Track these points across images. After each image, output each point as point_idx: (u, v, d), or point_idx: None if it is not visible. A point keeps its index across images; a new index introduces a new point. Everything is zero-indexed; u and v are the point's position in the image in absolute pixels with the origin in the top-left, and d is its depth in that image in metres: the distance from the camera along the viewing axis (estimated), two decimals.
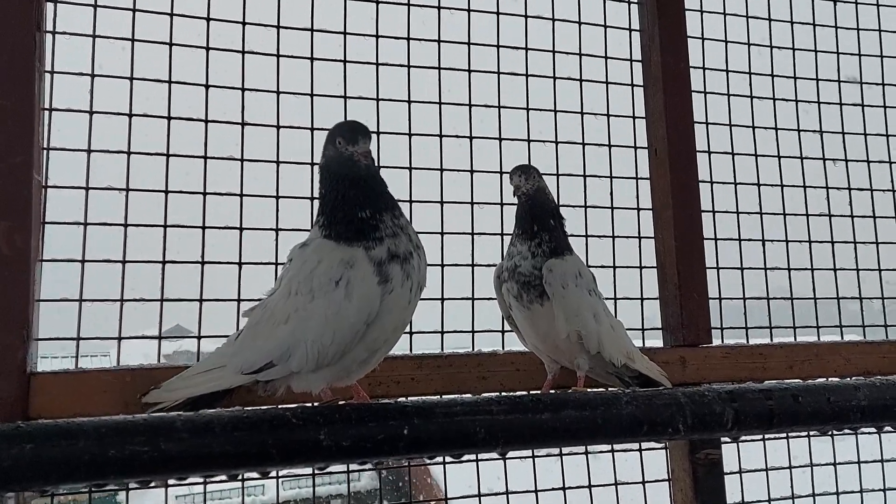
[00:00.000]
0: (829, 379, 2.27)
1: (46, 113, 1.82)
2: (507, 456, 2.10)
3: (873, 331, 2.57)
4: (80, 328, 1.83)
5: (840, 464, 2.45)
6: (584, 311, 1.75)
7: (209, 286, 1.96)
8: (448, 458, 2.00)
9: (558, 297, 1.73)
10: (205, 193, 1.96)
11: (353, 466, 1.66)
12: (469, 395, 1.84)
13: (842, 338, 2.52)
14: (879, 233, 2.64)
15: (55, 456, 1.17)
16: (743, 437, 2.29)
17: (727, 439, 2.20)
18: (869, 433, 2.38)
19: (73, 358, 1.81)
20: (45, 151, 1.81)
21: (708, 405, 1.57)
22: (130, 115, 1.92)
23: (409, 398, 1.86)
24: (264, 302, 1.54)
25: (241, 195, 2.00)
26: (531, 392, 1.96)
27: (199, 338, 1.93)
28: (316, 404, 1.44)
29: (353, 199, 1.46)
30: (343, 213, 1.46)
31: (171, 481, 1.78)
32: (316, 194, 2.03)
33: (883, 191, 2.69)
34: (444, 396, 1.91)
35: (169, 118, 1.96)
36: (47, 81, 1.83)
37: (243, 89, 2.04)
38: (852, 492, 2.44)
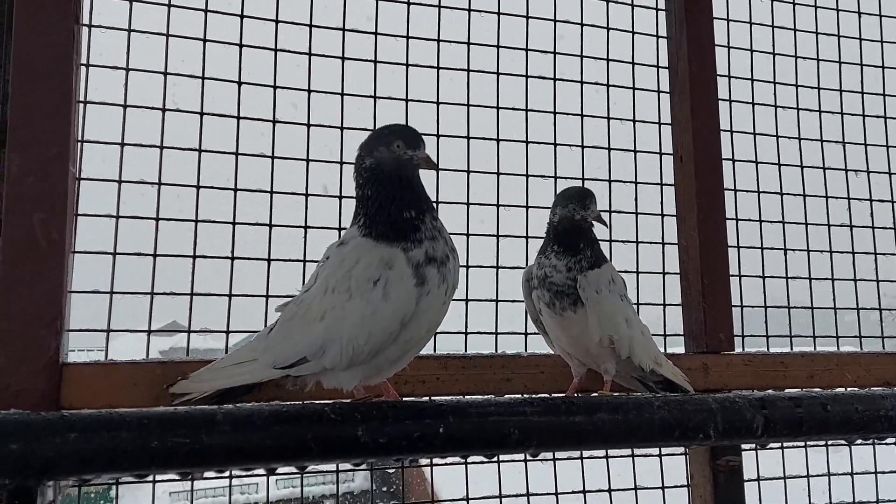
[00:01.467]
0: (849, 389, 2.29)
1: (80, 106, 1.84)
2: (528, 459, 2.11)
3: (893, 342, 2.57)
4: (110, 320, 1.83)
5: (857, 474, 2.45)
6: (617, 316, 1.76)
7: (236, 282, 1.97)
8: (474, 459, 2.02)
9: (592, 303, 1.74)
10: (236, 189, 1.97)
11: (343, 467, 1.64)
12: (500, 396, 1.84)
13: (861, 348, 2.53)
14: None
15: (98, 446, 1.18)
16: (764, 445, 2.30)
17: (748, 446, 2.22)
18: (886, 444, 2.40)
19: (85, 351, 1.82)
20: (79, 144, 1.82)
21: (739, 412, 1.58)
22: (164, 110, 1.93)
23: (435, 398, 1.87)
24: (299, 298, 1.55)
25: (272, 192, 2.01)
26: (554, 395, 1.96)
27: (227, 332, 1.94)
28: (348, 401, 1.44)
29: (402, 200, 1.48)
30: (387, 214, 1.47)
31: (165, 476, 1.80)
32: (346, 193, 2.07)
33: None
34: (468, 397, 1.91)
35: (202, 114, 1.96)
36: (83, 74, 1.84)
37: (275, 87, 2.04)
38: (868, 502, 2.44)
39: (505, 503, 2.07)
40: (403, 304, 1.42)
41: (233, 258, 1.96)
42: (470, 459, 2.03)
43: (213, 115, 1.99)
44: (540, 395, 1.56)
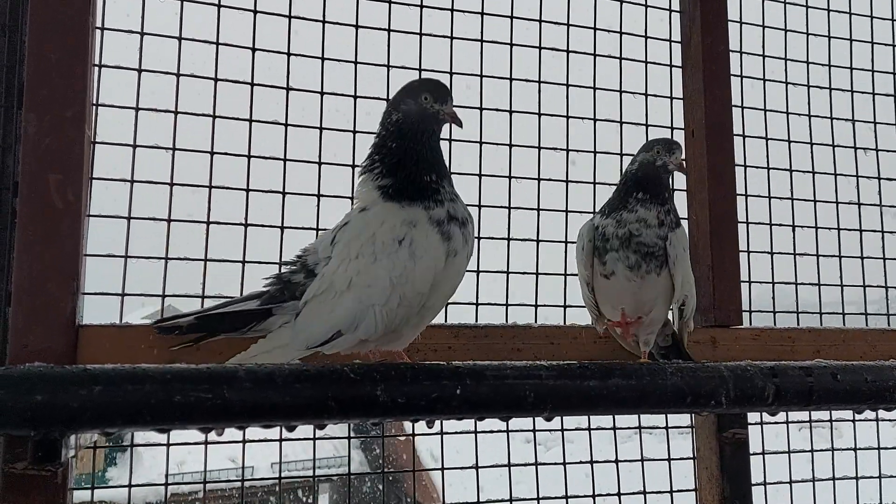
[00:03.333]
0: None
1: (96, 69, 1.83)
2: (538, 429, 2.14)
3: None
4: (124, 284, 1.84)
5: (860, 449, 2.48)
6: (691, 279, 1.80)
7: (249, 249, 1.97)
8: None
9: (680, 263, 1.72)
10: (249, 156, 1.97)
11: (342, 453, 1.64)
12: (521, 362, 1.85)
13: (867, 324, 2.55)
14: None
15: (122, 399, 1.20)
16: (766, 419, 2.33)
17: (752, 420, 2.24)
18: (890, 420, 2.42)
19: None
20: (94, 108, 1.82)
21: (750, 379, 1.60)
22: (178, 75, 1.93)
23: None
24: (321, 273, 1.48)
25: (285, 160, 2.01)
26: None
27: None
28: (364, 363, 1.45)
29: (424, 158, 1.47)
30: (409, 172, 1.47)
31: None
32: (359, 162, 2.07)
33: None
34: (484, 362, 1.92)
35: (216, 79, 1.96)
36: (97, 37, 1.84)
37: (289, 54, 2.04)
38: (871, 477, 2.47)
39: (514, 472, 2.09)
40: (433, 262, 1.41)
41: (246, 225, 1.96)
42: (486, 428, 2.07)
43: (228, 80, 1.98)
44: (557, 362, 1.57)
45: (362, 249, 1.42)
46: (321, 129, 2.06)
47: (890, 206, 2.66)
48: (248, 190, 1.97)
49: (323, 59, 2.08)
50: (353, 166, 2.07)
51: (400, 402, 1.35)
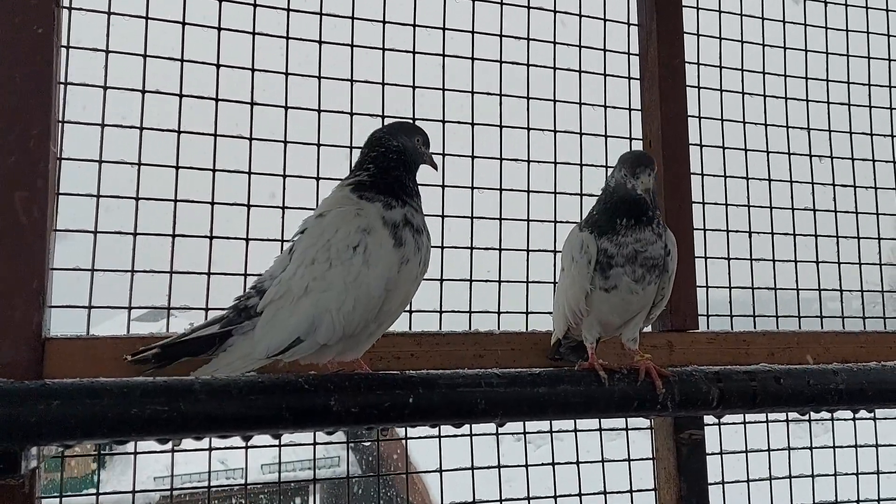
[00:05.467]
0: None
1: (61, 87, 1.87)
2: (500, 433, 2.19)
3: (852, 322, 2.67)
4: (91, 297, 1.88)
5: (816, 448, 2.55)
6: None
7: (216, 261, 2.02)
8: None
9: (672, 270, 1.76)
10: (214, 170, 2.02)
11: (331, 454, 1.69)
12: (474, 370, 1.90)
13: (822, 327, 2.62)
14: (861, 229, 2.75)
15: (80, 413, 1.24)
16: (725, 420, 2.40)
17: (711, 421, 2.31)
18: (844, 419, 2.50)
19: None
20: (59, 124, 1.86)
21: (695, 384, 1.66)
22: (143, 92, 1.97)
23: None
24: (278, 278, 1.54)
25: (250, 173, 2.05)
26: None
27: (206, 309, 1.99)
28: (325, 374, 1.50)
29: (405, 183, 1.62)
30: (387, 182, 1.59)
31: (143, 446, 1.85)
32: (320, 174, 2.12)
33: (865, 188, 2.78)
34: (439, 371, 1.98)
35: (181, 95, 2.01)
36: (63, 56, 1.88)
37: (253, 69, 2.09)
38: (826, 475, 2.55)
39: (477, 475, 2.15)
40: (384, 268, 1.47)
41: (211, 237, 2.00)
42: (445, 433, 2.13)
43: (192, 96, 2.03)
44: (509, 369, 1.62)
45: (317, 255, 1.48)
46: (285, 142, 2.11)
47: (844, 212, 2.74)
48: (212, 203, 2.02)
49: (287, 74, 2.13)
50: (318, 178, 2.12)
51: (353, 412, 1.40)
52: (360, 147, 1.74)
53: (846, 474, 2.57)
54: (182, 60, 2.02)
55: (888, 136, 2.84)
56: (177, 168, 1.99)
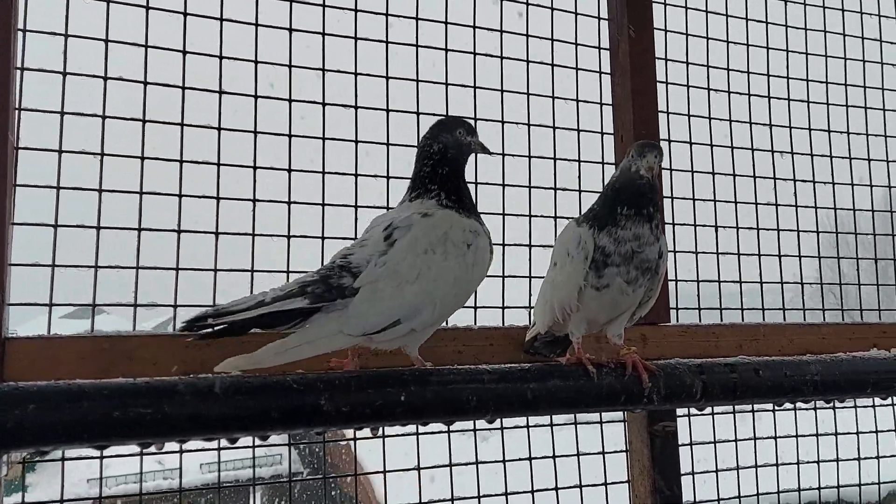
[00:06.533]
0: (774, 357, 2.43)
1: (18, 73, 1.76)
2: (478, 428, 2.17)
3: (812, 314, 2.75)
4: (52, 294, 1.78)
5: (780, 437, 2.62)
6: None
7: (184, 256, 1.94)
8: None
9: (662, 274, 1.75)
10: (181, 161, 1.94)
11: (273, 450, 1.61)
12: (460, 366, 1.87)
13: (784, 319, 2.68)
14: (820, 223, 2.82)
15: (59, 417, 1.17)
16: (693, 410, 2.43)
17: (680, 412, 2.34)
18: (806, 409, 2.56)
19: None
20: (17, 112, 1.75)
21: (679, 377, 1.67)
22: (105, 79, 1.87)
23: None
24: (376, 262, 1.51)
25: (218, 164, 1.98)
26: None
27: (174, 307, 1.91)
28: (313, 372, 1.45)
29: (463, 181, 1.71)
30: (460, 192, 1.67)
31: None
32: (294, 166, 2.06)
33: (824, 183, 2.86)
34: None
35: (145, 83, 1.92)
36: (20, 39, 1.77)
37: (221, 57, 2.01)
38: (790, 463, 2.61)
39: (455, 471, 2.13)
40: (484, 269, 1.63)
41: (179, 231, 1.93)
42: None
43: (157, 84, 1.94)
44: (499, 365, 1.60)
45: (432, 246, 1.54)
46: (255, 132, 2.04)
47: (804, 207, 2.81)
48: (180, 196, 1.93)
49: (256, 62, 2.06)
50: (290, 171, 2.06)
51: (344, 411, 1.36)
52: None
53: (807, 462, 2.64)
54: (146, 46, 1.93)
55: (843, 132, 2.92)
56: (142, 159, 1.90)
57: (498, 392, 1.49)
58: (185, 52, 1.97)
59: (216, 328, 1.38)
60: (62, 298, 1.82)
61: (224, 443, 1.72)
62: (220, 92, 2.00)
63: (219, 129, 1.99)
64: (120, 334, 1.74)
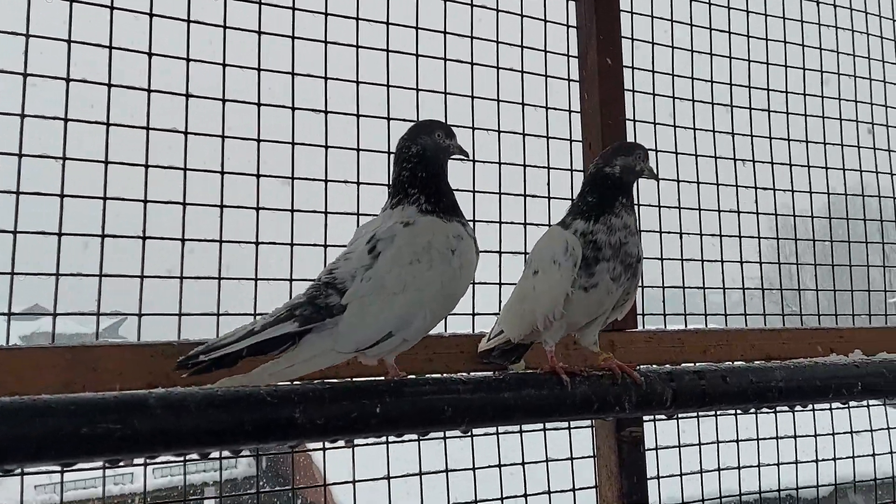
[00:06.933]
0: (736, 362, 2.48)
1: None
2: (448, 437, 2.16)
3: (772, 319, 2.82)
4: (11, 303, 1.72)
5: (742, 440, 2.67)
6: None
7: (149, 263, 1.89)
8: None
9: (640, 277, 1.77)
10: (147, 166, 1.89)
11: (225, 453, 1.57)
12: (436, 375, 1.86)
13: (746, 324, 2.74)
14: (780, 230, 2.89)
15: (23, 434, 1.12)
16: (658, 416, 2.46)
17: (647, 417, 2.36)
18: (765, 412, 2.62)
19: None
20: None
21: (651, 385, 1.69)
22: (68, 80, 1.82)
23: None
24: (362, 276, 1.50)
25: (185, 169, 1.94)
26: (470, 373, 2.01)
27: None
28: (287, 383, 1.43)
29: (445, 182, 1.67)
30: (441, 194, 1.63)
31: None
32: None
33: (783, 191, 2.93)
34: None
35: (109, 85, 1.86)
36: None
37: (188, 59, 1.97)
38: (751, 466, 2.67)
39: (426, 478, 2.12)
40: (471, 272, 1.62)
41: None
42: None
43: (122, 86, 1.89)
44: (471, 374, 1.60)
45: (417, 256, 1.51)
46: (223, 137, 2.00)
47: (765, 214, 2.87)
48: (145, 201, 1.89)
49: (224, 65, 2.02)
50: (258, 175, 2.02)
51: (319, 424, 1.33)
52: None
53: (767, 465, 2.70)
54: (111, 47, 1.88)
55: (802, 141, 3.00)
56: (106, 163, 1.85)
57: (473, 402, 1.48)
58: (150, 55, 1.92)
59: (209, 362, 1.39)
60: (24, 307, 1.76)
61: None
62: (187, 95, 1.96)
63: (185, 132, 1.95)
64: (84, 345, 1.69)
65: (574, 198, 1.86)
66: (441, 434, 2.13)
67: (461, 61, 2.33)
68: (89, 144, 1.85)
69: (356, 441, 2.08)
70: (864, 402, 2.89)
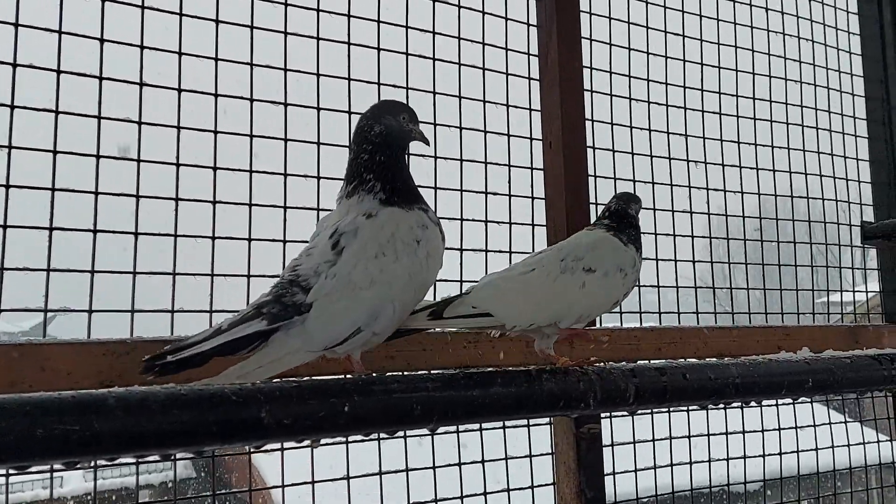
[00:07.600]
0: (688, 360, 2.53)
1: None
2: (409, 435, 2.14)
3: (724, 317, 2.89)
4: None
5: (694, 436, 2.73)
6: None
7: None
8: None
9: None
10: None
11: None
12: (403, 373, 1.83)
13: (697, 322, 2.79)
14: (731, 230, 2.97)
15: None
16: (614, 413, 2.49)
17: (604, 414, 2.39)
18: (717, 408, 2.67)
19: None
20: None
21: (614, 381, 1.70)
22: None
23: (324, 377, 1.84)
24: (326, 273, 1.47)
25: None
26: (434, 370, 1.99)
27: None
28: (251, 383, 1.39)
29: (405, 168, 1.63)
30: (399, 181, 1.59)
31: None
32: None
33: (734, 192, 3.00)
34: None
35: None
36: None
37: (142, 47, 1.89)
38: (703, 461, 2.73)
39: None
40: (438, 260, 1.60)
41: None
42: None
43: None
44: (438, 371, 1.58)
45: (382, 249, 1.49)
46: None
47: (716, 214, 2.94)
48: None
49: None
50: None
51: (286, 424, 1.30)
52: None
53: (718, 460, 2.76)
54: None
55: (751, 143, 3.08)
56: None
57: (442, 400, 1.47)
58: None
59: (176, 363, 1.35)
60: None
61: None
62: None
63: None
64: (31, 342, 1.60)
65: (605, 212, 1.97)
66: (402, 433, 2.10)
67: (423, 56, 2.31)
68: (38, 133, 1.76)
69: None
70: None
